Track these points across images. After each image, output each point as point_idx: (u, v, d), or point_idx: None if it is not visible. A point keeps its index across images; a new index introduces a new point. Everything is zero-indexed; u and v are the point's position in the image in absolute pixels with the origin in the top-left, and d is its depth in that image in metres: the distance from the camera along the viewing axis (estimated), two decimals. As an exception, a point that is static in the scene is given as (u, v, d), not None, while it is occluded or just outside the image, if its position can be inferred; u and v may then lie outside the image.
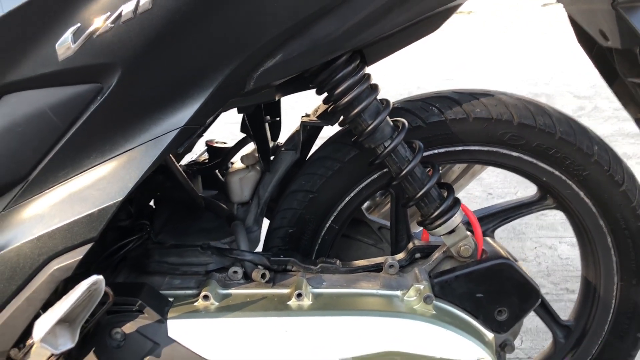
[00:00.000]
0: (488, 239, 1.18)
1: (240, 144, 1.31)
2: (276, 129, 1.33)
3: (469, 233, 1.10)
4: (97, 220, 0.88)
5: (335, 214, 1.19)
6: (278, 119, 1.33)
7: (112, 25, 0.82)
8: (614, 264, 1.22)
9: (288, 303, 1.03)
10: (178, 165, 1.09)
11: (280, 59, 0.91)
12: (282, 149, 1.18)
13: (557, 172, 1.17)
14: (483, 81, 5.40)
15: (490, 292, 1.07)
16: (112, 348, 0.99)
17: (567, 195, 1.19)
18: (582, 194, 1.18)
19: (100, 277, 0.88)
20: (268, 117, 1.30)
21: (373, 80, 1.04)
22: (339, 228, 1.21)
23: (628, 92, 1.23)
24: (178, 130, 0.88)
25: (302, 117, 1.18)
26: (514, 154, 1.16)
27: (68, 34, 0.83)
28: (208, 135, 1.61)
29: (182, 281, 1.10)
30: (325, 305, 1.03)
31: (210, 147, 1.40)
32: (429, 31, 1.03)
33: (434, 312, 1.03)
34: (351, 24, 0.92)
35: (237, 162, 1.25)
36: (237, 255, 1.10)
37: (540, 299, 1.08)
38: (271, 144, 1.32)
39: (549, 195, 1.23)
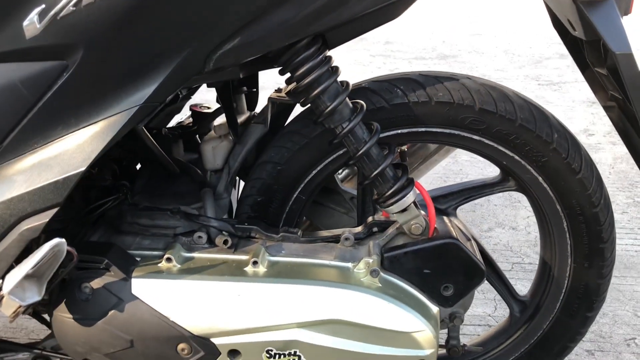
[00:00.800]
0: (445, 218, 1.24)
1: (219, 112, 1.37)
2: (253, 99, 1.38)
3: (421, 212, 1.15)
4: (62, 187, 0.96)
5: (302, 185, 1.25)
6: (255, 90, 1.37)
7: (74, 8, 0.88)
8: (569, 247, 1.27)
9: (244, 269, 1.10)
10: (146, 131, 1.15)
11: (239, 42, 0.96)
12: (252, 122, 1.23)
13: (517, 157, 1.20)
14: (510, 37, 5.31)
15: (437, 269, 1.13)
16: (81, 301, 1.09)
17: (527, 179, 1.23)
18: (540, 179, 1.22)
19: (62, 240, 0.96)
20: (245, 88, 1.34)
21: (334, 63, 1.08)
22: (307, 199, 1.27)
23: (598, 80, 1.25)
24: (137, 107, 0.94)
25: (273, 93, 1.23)
26: (475, 137, 1.20)
27: (34, 14, 0.89)
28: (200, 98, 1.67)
29: (151, 242, 1.18)
30: (278, 273, 1.10)
31: (194, 112, 1.46)
32: (390, 17, 1.06)
33: (380, 285, 1.10)
34: (308, 11, 0.95)
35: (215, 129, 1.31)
36: (203, 221, 1.17)
37: (484, 278, 1.14)
38: (248, 115, 1.37)
39: (510, 177, 1.27)
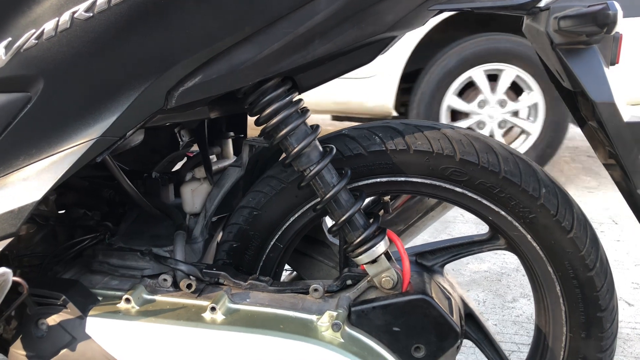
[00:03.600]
0: (425, 274, 1.16)
1: (199, 156, 1.37)
2: (241, 144, 1.37)
3: (395, 265, 1.09)
4: (17, 216, 0.96)
5: (279, 233, 1.21)
6: (243, 135, 1.37)
7: (36, 41, 0.90)
8: (563, 314, 1.16)
9: (202, 315, 1.06)
10: (123, 175, 1.16)
11: (200, 80, 0.96)
12: (229, 165, 1.22)
13: (502, 212, 1.13)
14: None
15: (407, 327, 1.05)
16: (37, 337, 1.06)
17: (515, 237, 1.15)
18: (529, 237, 1.13)
19: (8, 270, 0.96)
20: (232, 134, 1.34)
21: (304, 105, 1.06)
22: (285, 247, 1.23)
23: (596, 136, 1.18)
24: (94, 140, 0.95)
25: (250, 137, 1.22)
26: (458, 189, 1.14)
27: (1, 47, 0.92)
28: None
29: (118, 283, 1.16)
30: (235, 321, 1.05)
31: (188, 157, 1.47)
32: (360, 62, 1.04)
33: (342, 341, 1.03)
34: (269, 52, 0.95)
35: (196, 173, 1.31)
36: (171, 264, 1.14)
37: (458, 339, 1.05)
38: (233, 160, 1.36)
39: (499, 235, 1.20)
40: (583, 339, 1.15)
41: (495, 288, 2.43)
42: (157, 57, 0.92)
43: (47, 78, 0.93)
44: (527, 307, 2.27)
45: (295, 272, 1.49)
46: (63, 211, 1.35)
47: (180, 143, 1.59)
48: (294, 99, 1.05)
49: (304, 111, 1.06)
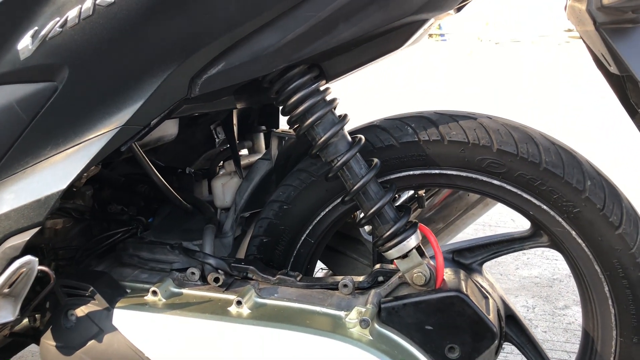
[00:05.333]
0: (462, 271, 1.10)
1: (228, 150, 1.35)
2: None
3: (428, 260, 1.04)
4: (44, 205, 0.96)
5: (310, 227, 1.18)
6: (275, 129, 1.35)
7: (61, 29, 0.91)
8: (612, 317, 1.08)
9: (227, 309, 1.04)
10: (154, 168, 1.15)
11: (223, 67, 0.94)
12: (259, 158, 1.20)
13: (544, 207, 1.06)
14: None
15: (441, 326, 1.00)
16: (65, 328, 1.07)
17: (559, 233, 1.08)
18: (573, 233, 1.06)
19: (33, 258, 0.96)
20: (264, 127, 1.32)
21: (331, 94, 1.03)
22: (316, 242, 1.20)
23: (649, 125, 1.10)
24: (118, 128, 0.94)
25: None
26: (496, 182, 1.08)
27: (27, 37, 0.93)
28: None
29: (148, 276, 1.15)
30: (261, 316, 1.02)
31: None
32: (390, 49, 1.00)
33: (371, 338, 0.98)
34: (291, 37, 0.92)
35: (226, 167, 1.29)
36: (200, 258, 1.13)
37: (495, 340, 0.99)
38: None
39: (541, 231, 1.13)
40: (635, 345, 1.07)
41: (546, 294, 2.32)
42: (179, 44, 0.91)
43: (71, 66, 0.93)
44: (579, 314, 2.15)
45: (329, 270, 1.46)
46: (101, 206, 1.36)
47: (217, 140, 1.58)
48: (321, 87, 1.02)
49: (331, 101, 1.03)
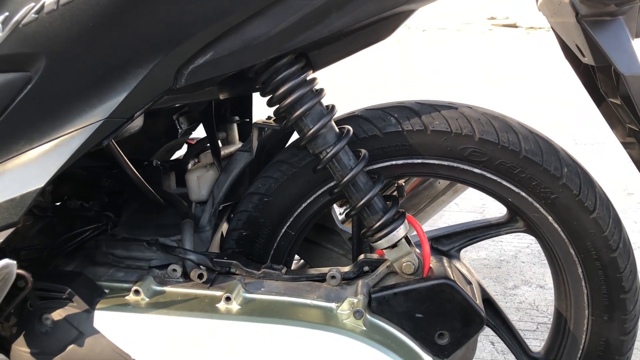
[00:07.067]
0: (444, 258, 1.13)
1: (203, 142, 1.31)
2: (247, 130, 1.32)
3: (415, 249, 1.05)
4: (19, 205, 0.90)
5: (290, 220, 1.16)
6: (248, 120, 1.32)
7: (36, 15, 0.84)
8: (585, 297, 1.13)
9: (216, 305, 1.01)
10: (129, 163, 1.10)
11: (211, 57, 0.90)
12: (238, 150, 1.17)
13: (523, 193, 1.10)
14: None
15: (430, 313, 1.01)
16: (41, 333, 1.01)
17: (536, 218, 1.11)
18: (550, 218, 1.10)
19: (12, 261, 0.90)
20: (237, 118, 1.29)
21: (319, 85, 1.02)
22: (296, 235, 1.18)
23: (614, 113, 1.15)
24: (101, 121, 0.89)
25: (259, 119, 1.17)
26: (477, 170, 1.10)
27: (-3, 23, 0.86)
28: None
29: (125, 274, 1.10)
30: (252, 311, 1.00)
31: (189, 144, 1.42)
32: (376, 39, 0.99)
33: (364, 329, 0.99)
34: (284, 26, 0.90)
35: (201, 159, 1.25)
36: (180, 254, 1.09)
37: (483, 325, 1.02)
38: (239, 145, 1.31)
39: (518, 217, 1.16)
40: (605, 322, 1.13)
41: (496, 275, 2.40)
42: (166, 32, 0.87)
43: (48, 56, 0.87)
44: (528, 293, 2.25)
45: (302, 261, 1.45)
46: (60, 202, 1.29)
47: (179, 131, 1.53)
48: (308, 78, 1.00)
49: (319, 91, 1.01)
